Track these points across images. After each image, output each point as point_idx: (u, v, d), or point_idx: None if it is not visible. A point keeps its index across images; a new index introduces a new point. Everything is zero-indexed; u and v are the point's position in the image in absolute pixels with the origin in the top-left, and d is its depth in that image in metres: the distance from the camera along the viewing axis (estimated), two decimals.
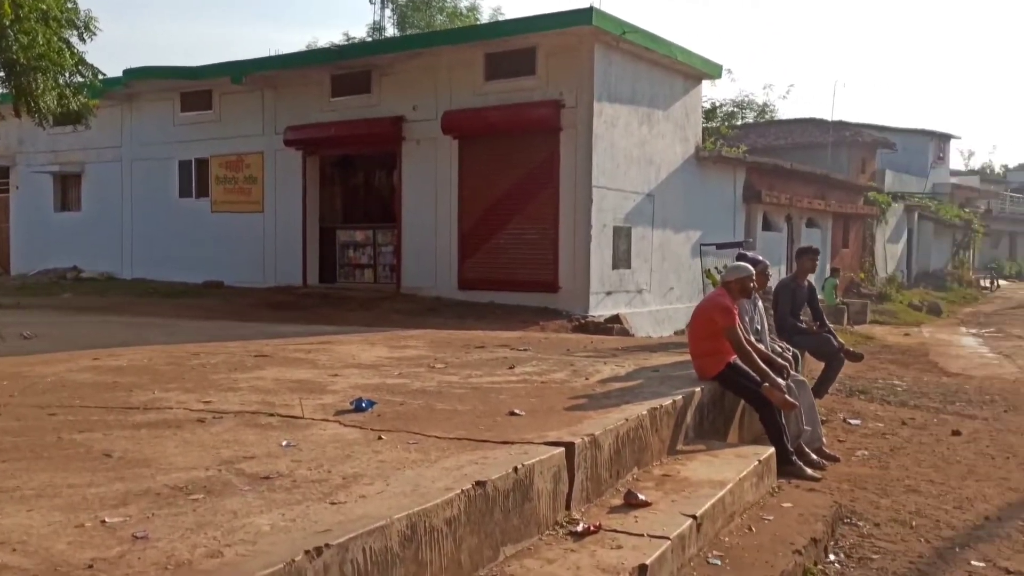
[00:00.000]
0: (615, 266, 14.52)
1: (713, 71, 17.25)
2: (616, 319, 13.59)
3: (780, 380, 6.52)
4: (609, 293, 14.32)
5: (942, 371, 13.33)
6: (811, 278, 8.93)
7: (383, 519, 3.11)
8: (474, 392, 6.01)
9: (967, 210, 39.82)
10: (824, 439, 7.16)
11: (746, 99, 39.51)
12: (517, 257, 14.52)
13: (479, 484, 3.62)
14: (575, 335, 11.88)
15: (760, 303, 7.41)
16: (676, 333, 15.83)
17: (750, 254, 7.70)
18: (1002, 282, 41.60)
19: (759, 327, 7.30)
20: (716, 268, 10.72)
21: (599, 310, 13.95)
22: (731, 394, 6.68)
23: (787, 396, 6.36)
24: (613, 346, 9.36)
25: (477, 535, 3.58)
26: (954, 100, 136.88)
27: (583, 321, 13.10)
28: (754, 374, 6.42)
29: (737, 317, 6.47)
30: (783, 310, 8.32)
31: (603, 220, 14.15)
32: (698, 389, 6.22)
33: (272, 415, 5.12)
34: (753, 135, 31.09)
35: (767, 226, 20.50)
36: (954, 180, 45.41)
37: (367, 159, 17.85)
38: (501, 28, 14.55)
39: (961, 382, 12.00)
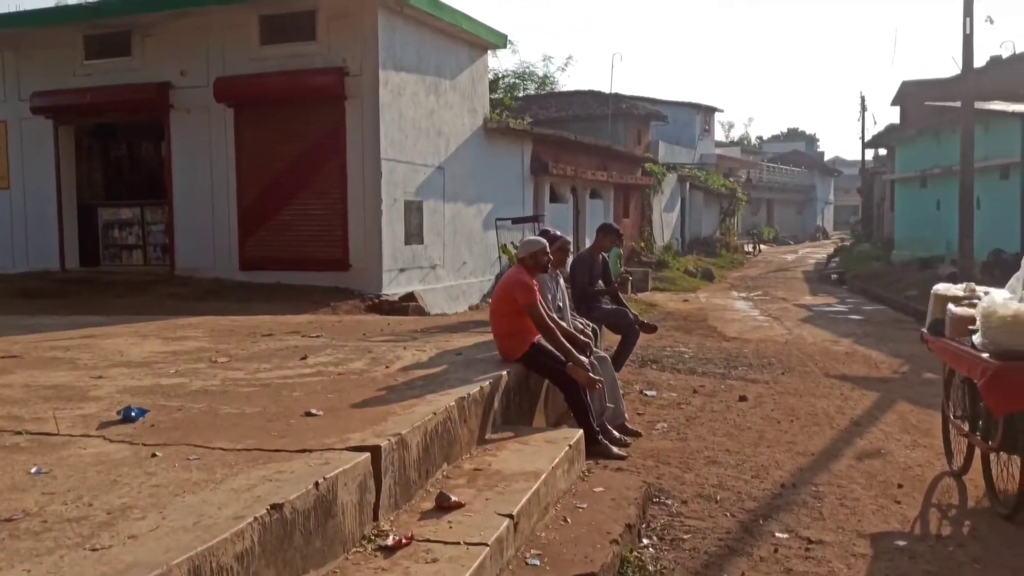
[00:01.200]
0: (408, 241, 14.09)
1: (498, 40, 17.09)
2: (411, 297, 13.18)
3: (584, 358, 6.41)
4: (403, 270, 13.88)
5: (722, 336, 14.00)
6: (604, 253, 8.95)
7: (159, 567, 2.58)
8: (264, 390, 5.43)
9: (731, 180, 42.60)
10: (626, 414, 7.16)
11: (527, 70, 40.10)
12: (304, 234, 13.72)
13: (275, 507, 3.15)
14: (370, 316, 11.38)
15: (562, 280, 7.28)
16: (470, 308, 15.70)
17: (551, 230, 7.56)
18: (763, 247, 45.05)
19: (561, 304, 7.17)
20: (512, 243, 10.60)
21: (393, 288, 13.48)
22: (536, 375, 6.51)
23: (591, 374, 6.26)
24: (411, 328, 8.96)
25: (274, 566, 3.11)
26: (714, 75, 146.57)
27: (377, 300, 12.59)
28: (558, 353, 6.26)
29: (538, 294, 6.27)
30: (581, 282, 8.26)
31: (394, 194, 13.66)
32: (504, 373, 5.97)
33: (19, 433, 4.34)
34: (535, 106, 31.47)
35: (554, 198, 20.78)
36: (719, 151, 48.45)
37: (131, 129, 16.26)
38: None
39: (740, 346, 12.62)
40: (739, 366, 10.77)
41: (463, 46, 16.04)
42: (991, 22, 17.82)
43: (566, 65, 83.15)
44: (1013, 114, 17.00)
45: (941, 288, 6.47)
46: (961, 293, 6.24)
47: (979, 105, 16.44)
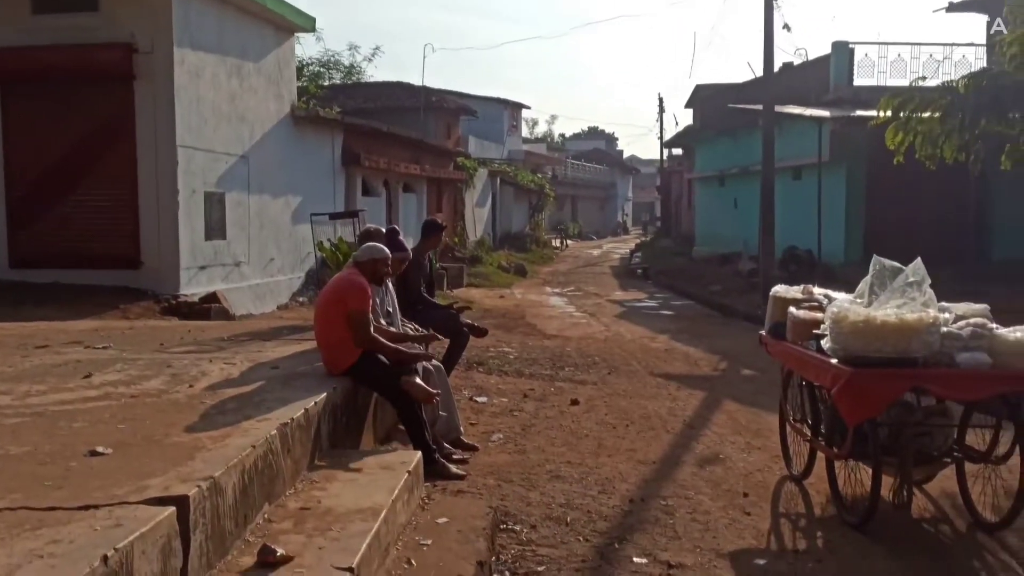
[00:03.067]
0: (208, 237, 12.89)
1: (306, 23, 16.07)
2: (213, 297, 12.02)
3: (419, 356, 5.87)
4: (203, 268, 12.68)
5: (542, 334, 13.79)
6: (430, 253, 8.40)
7: None
8: (36, 421, 4.46)
9: (539, 175, 43.15)
10: (461, 427, 6.63)
11: (332, 59, 38.66)
12: (88, 228, 12.21)
13: None
14: (167, 321, 10.22)
15: (390, 284, 6.64)
16: (279, 308, 14.67)
17: (400, 235, 6.92)
18: (569, 242, 46.00)
19: (390, 308, 6.53)
20: (329, 240, 9.81)
21: (192, 287, 12.27)
22: (364, 388, 5.85)
23: (427, 387, 5.69)
24: (217, 335, 7.99)
25: None
26: (518, 72, 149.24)
27: (174, 302, 11.37)
28: (389, 363, 5.64)
29: (370, 301, 5.63)
30: (415, 286, 7.65)
31: (192, 184, 12.44)
32: (331, 389, 5.28)
33: None
34: (342, 96, 30.26)
35: (366, 191, 19.94)
36: (526, 147, 48.98)
37: None
38: None
39: (562, 345, 12.42)
40: (565, 366, 10.53)
41: (269, 27, 14.94)
42: (788, 30, 18.83)
43: (373, 55, 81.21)
44: (811, 118, 17.93)
45: (780, 290, 6.38)
46: (800, 295, 6.16)
47: (779, 108, 17.20)
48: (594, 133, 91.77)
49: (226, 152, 13.47)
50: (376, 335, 5.65)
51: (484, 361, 10.37)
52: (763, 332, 6.47)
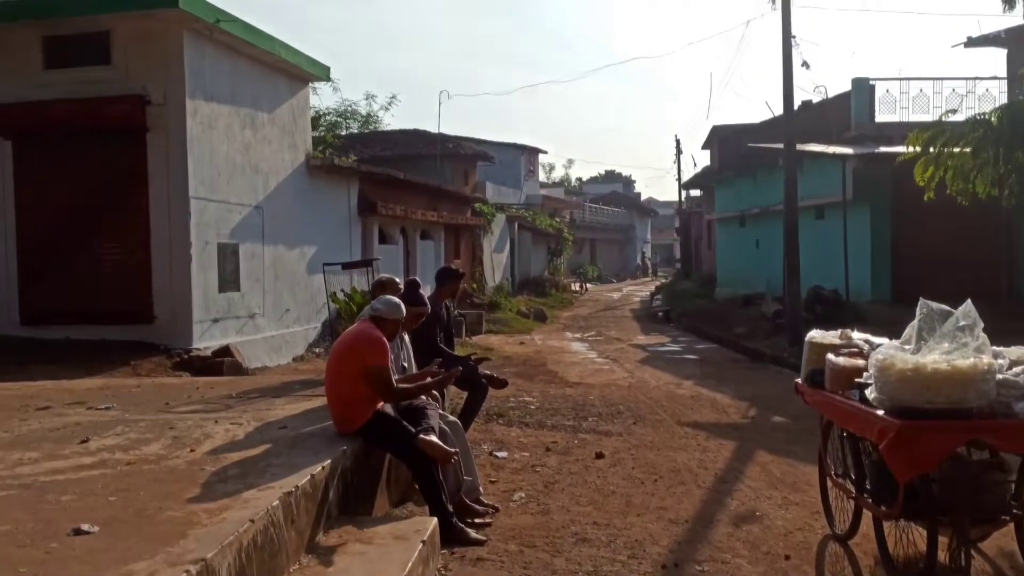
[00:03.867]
0: (222, 289, 12.67)
1: (320, 72, 16.01)
2: (226, 351, 11.74)
3: (434, 425, 5.51)
4: (216, 320, 12.44)
5: (564, 382, 13.40)
6: (447, 301, 8.10)
7: None
8: (22, 494, 4.16)
9: (557, 219, 43.00)
10: (481, 487, 6.27)
11: (349, 108, 38.88)
12: (101, 282, 11.99)
13: None
14: (177, 378, 9.94)
15: (406, 336, 6.33)
16: (295, 359, 14.40)
17: (420, 288, 6.63)
18: (588, 285, 45.67)
19: (405, 364, 6.22)
20: (343, 290, 9.55)
21: (205, 341, 12.02)
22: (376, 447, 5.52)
23: (445, 446, 5.34)
24: (225, 392, 7.69)
25: None
26: (534, 118, 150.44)
27: (186, 356, 11.10)
28: (406, 423, 5.31)
29: (390, 356, 5.32)
30: (432, 338, 7.33)
31: (205, 236, 12.26)
32: (340, 451, 4.96)
33: None
34: (359, 145, 30.34)
35: (383, 239, 19.75)
36: (544, 192, 48.98)
37: None
38: (62, 6, 11.91)
39: (584, 393, 12.03)
40: (589, 416, 10.14)
41: (282, 77, 14.88)
42: (807, 67, 18.68)
43: (390, 104, 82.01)
44: (834, 155, 17.61)
45: (816, 335, 6.00)
46: (838, 341, 5.79)
47: (800, 147, 16.90)
48: (611, 176, 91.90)
49: (240, 203, 13.31)
50: (401, 384, 5.35)
51: (504, 412, 10.01)
52: (799, 380, 6.08)
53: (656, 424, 9.81)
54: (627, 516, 6.20)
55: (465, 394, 7.96)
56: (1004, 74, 20.37)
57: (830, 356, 5.51)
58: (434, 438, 5.31)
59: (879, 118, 19.57)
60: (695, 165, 39.04)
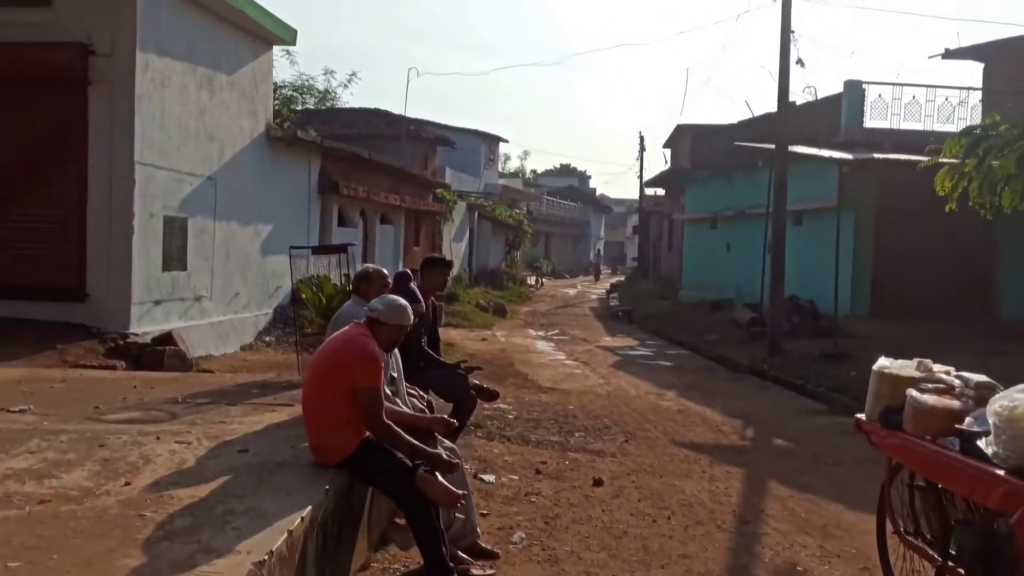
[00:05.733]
0: (167, 267, 11.35)
1: (287, 35, 14.69)
2: (168, 338, 10.45)
3: (439, 451, 4.45)
4: (158, 302, 11.14)
5: (537, 386, 12.42)
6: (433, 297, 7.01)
7: None
8: None
9: (516, 211, 41.95)
10: (479, 528, 5.21)
11: (306, 83, 37.29)
12: (26, 253, 10.60)
13: None
14: (110, 370, 8.63)
15: None
16: (242, 348, 13.15)
17: (415, 287, 5.52)
18: (544, 280, 44.74)
19: (395, 374, 5.13)
20: (313, 278, 8.39)
21: (145, 325, 10.70)
22: (361, 482, 4.44)
23: (451, 487, 4.28)
24: (169, 394, 6.48)
25: None
26: (495, 106, 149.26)
27: (122, 342, 9.79)
28: (401, 456, 4.23)
29: (383, 375, 4.23)
30: (417, 340, 6.25)
31: (150, 207, 10.95)
32: (323, 492, 3.87)
33: None
34: (316, 122, 28.84)
35: (342, 221, 18.48)
36: (503, 182, 47.85)
37: None
38: None
39: (562, 400, 11.06)
40: (575, 431, 9.15)
41: (245, 37, 13.55)
42: (802, 65, 17.86)
43: (350, 81, 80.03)
44: (827, 159, 16.84)
45: (889, 365, 5.03)
46: (917, 373, 4.85)
47: (793, 148, 16.10)
48: (566, 170, 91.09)
49: (191, 172, 12.00)
50: (390, 423, 4.24)
51: (481, 423, 8.95)
52: (861, 416, 5.14)
53: (650, 443, 8.87)
54: (650, 568, 5.22)
55: (451, 406, 6.88)
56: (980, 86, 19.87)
57: (914, 393, 4.56)
58: (438, 476, 4.24)
59: (869, 124, 18.87)
60: (666, 162, 38.24)
